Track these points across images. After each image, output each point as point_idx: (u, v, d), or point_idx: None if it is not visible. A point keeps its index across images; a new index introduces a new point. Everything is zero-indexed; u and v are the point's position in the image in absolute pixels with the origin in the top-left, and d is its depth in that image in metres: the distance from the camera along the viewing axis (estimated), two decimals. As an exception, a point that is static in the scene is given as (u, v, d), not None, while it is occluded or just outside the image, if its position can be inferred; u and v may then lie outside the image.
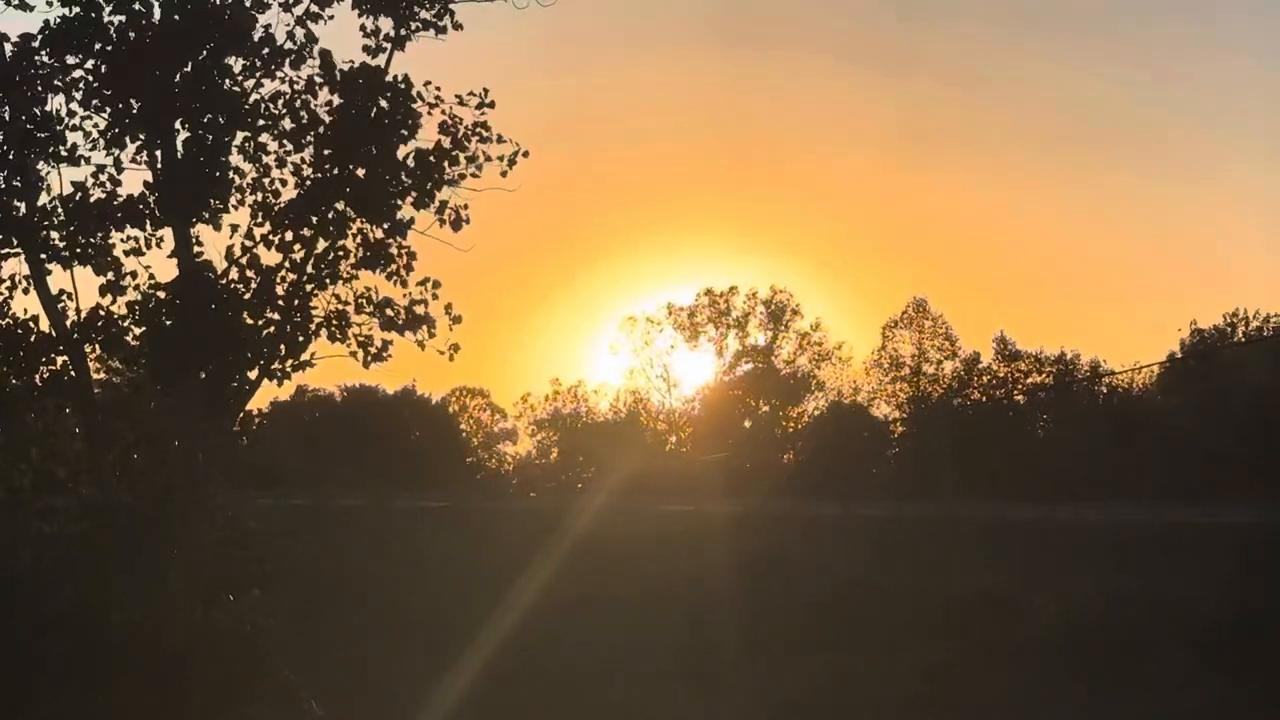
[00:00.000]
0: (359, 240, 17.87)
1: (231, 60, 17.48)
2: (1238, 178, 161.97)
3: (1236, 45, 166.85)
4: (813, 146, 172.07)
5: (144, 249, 17.31)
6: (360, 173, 17.55)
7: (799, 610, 57.50)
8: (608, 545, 58.86)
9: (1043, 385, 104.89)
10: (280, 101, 17.81)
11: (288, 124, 17.67)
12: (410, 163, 17.80)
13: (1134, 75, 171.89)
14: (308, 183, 17.59)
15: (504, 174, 18.16)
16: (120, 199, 17.13)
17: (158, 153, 17.27)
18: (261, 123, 17.66)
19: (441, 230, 18.03)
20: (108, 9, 17.16)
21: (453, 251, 18.14)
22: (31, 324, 17.02)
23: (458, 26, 18.06)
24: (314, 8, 17.84)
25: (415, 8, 17.88)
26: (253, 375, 17.70)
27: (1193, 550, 63.47)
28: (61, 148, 17.09)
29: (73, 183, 17.07)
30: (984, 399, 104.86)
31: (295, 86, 17.89)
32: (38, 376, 16.99)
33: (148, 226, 17.23)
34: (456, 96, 17.94)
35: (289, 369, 17.89)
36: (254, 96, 17.70)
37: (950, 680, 53.73)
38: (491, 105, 17.99)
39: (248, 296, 17.45)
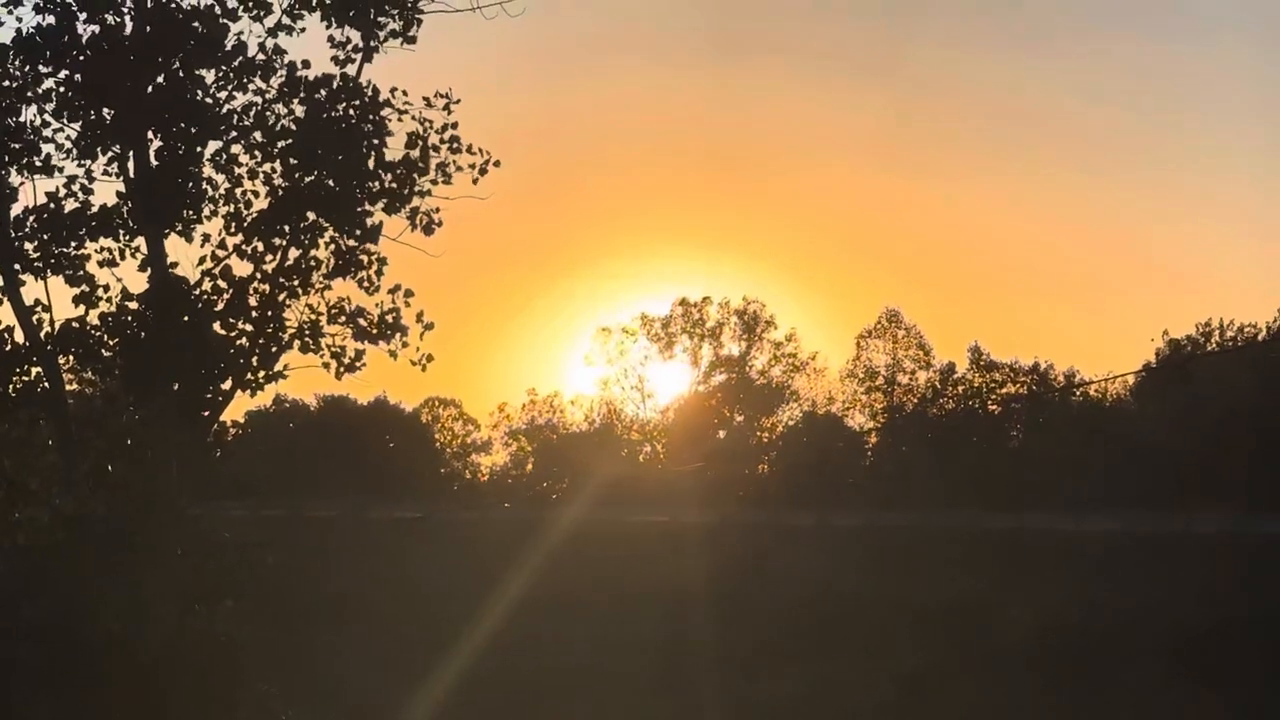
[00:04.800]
0: (331, 249, 17.88)
1: (203, 72, 17.50)
2: (1212, 187, 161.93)
3: (1212, 54, 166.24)
4: (786, 157, 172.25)
5: (117, 260, 17.32)
6: (330, 181, 17.58)
7: (774, 619, 57.58)
8: (582, 556, 58.87)
9: (1017, 395, 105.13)
10: (251, 112, 17.83)
11: (259, 136, 17.68)
12: (380, 171, 17.86)
13: (1107, 83, 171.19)
14: (279, 192, 17.62)
15: (475, 182, 18.26)
16: (93, 209, 17.14)
17: (130, 163, 17.27)
18: (233, 134, 17.67)
19: (413, 235, 18.08)
20: (81, 19, 17.17)
21: (425, 261, 18.21)
22: (5, 335, 17.00)
23: (410, 40, 18.11)
24: (285, 20, 17.89)
25: (382, 19, 17.94)
26: (226, 386, 17.68)
27: (1166, 558, 63.72)
28: (34, 158, 17.10)
29: (46, 193, 17.12)
30: (959, 409, 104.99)
31: (266, 97, 17.92)
32: (11, 387, 16.97)
33: (121, 237, 17.25)
34: (424, 99, 18.00)
35: (262, 380, 17.88)
36: (226, 107, 17.72)
37: (924, 688, 53.88)
38: (458, 102, 18.04)
39: (220, 307, 17.46)
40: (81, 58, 17.09)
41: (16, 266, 16.94)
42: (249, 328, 17.51)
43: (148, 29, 17.22)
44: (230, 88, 17.73)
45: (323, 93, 17.74)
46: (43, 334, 17.05)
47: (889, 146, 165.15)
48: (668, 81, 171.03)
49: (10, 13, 17.16)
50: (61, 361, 17.09)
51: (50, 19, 17.07)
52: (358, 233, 17.85)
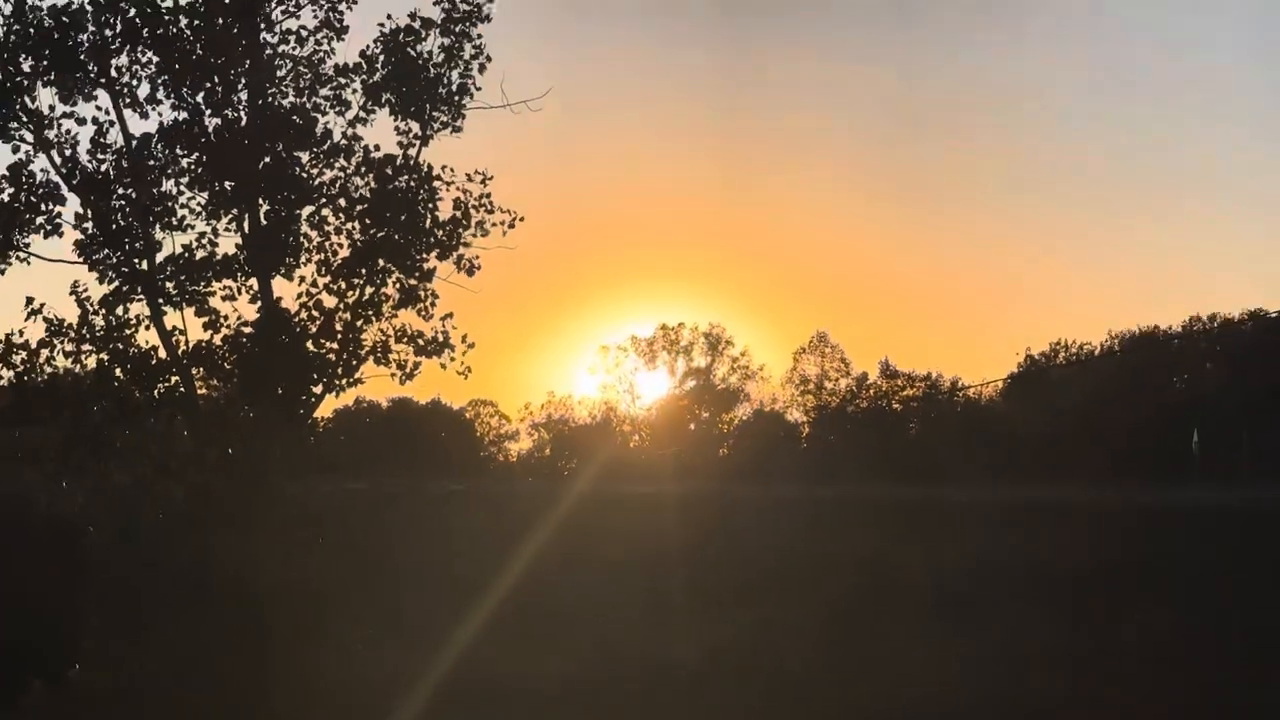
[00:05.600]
0: (396, 287, 18.01)
1: (299, 153, 17.62)
2: (1065, 220, 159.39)
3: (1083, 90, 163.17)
4: (745, 215, 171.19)
5: (235, 295, 17.50)
6: (395, 236, 17.71)
7: (731, 567, 57.57)
8: (587, 519, 58.89)
9: (915, 396, 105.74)
10: (336, 184, 17.96)
11: (342, 202, 17.83)
12: (433, 228, 17.97)
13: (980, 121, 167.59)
14: (358, 244, 17.75)
15: (504, 234, 18.41)
16: (218, 257, 17.28)
17: (245, 222, 17.41)
18: (322, 200, 17.81)
19: (458, 276, 18.21)
20: (207, 114, 17.31)
21: (468, 295, 18.37)
22: (152, 353, 17.15)
23: (457, 129, 18.15)
24: (360, 114, 18.06)
25: (435, 113, 18.04)
26: (317, 391, 17.81)
27: (1027, 521, 63.96)
28: (173, 219, 17.24)
29: (182, 245, 17.30)
30: (871, 407, 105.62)
31: (346, 172, 18.03)
32: (155, 392, 17.12)
33: (238, 278, 17.37)
34: (466, 174, 18.13)
35: (344, 385, 18.00)
36: (316, 180, 17.83)
37: (849, 621, 53.99)
38: (491, 177, 18.22)
39: (313, 331, 17.58)
40: (208, 143, 17.20)
41: (160, 301, 17.09)
42: (335, 346, 17.65)
43: (258, 122, 17.36)
44: (320, 165, 17.86)
45: (389, 169, 17.87)
46: (179, 352, 17.19)
47: (818, 193, 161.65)
48: (653, 161, 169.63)
49: (154, 109, 17.29)
50: (194, 373, 17.23)
51: (184, 114, 17.23)
52: (416, 274, 17.99)
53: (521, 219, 18.49)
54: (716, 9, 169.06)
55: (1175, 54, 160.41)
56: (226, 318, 17.42)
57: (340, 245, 17.77)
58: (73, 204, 17.08)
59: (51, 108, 17.03)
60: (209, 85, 17.25)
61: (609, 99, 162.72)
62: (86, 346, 16.92)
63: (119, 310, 17.03)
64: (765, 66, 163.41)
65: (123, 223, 17.06)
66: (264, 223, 17.40)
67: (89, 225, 16.98)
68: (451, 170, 18.26)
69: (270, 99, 17.58)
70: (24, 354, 16.70)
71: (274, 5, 17.72)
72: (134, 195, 17.07)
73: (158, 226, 17.20)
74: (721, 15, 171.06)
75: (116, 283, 17.01)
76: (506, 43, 18.68)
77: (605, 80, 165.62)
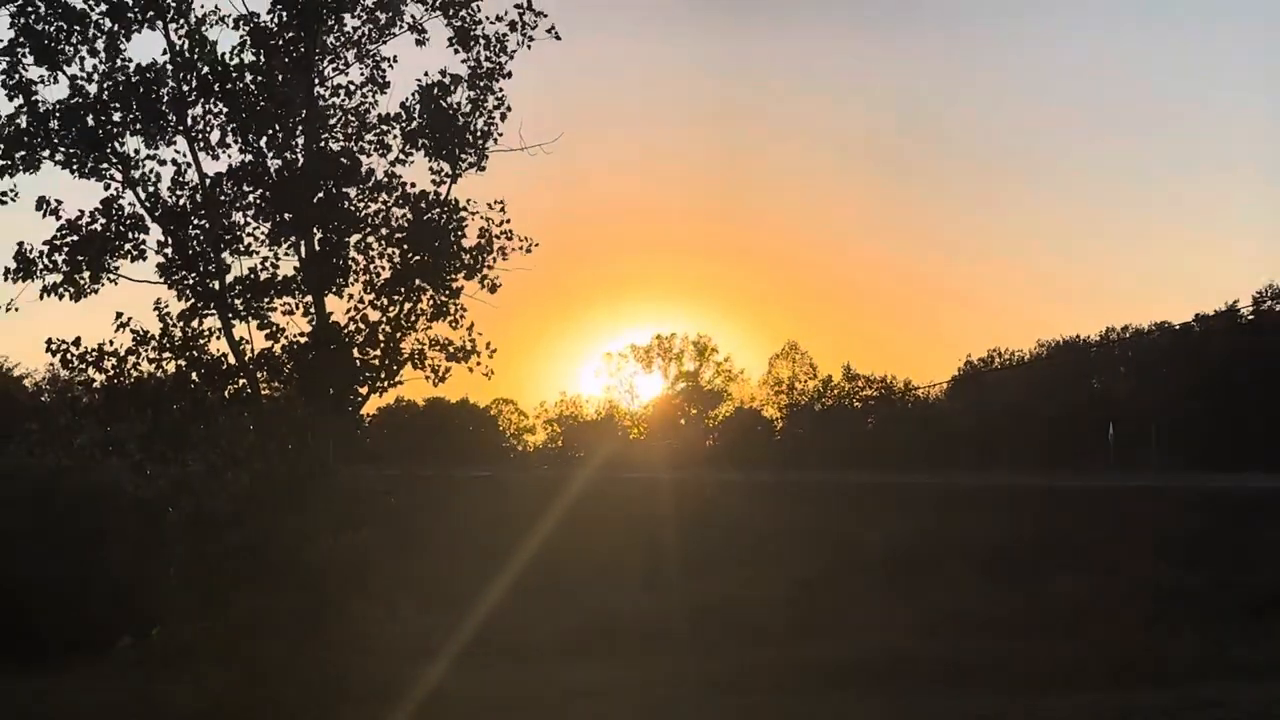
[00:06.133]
0: (430, 303, 17.96)
1: (348, 189, 17.56)
2: (1009, 232, 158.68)
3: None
4: (729, 237, 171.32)
5: (293, 311, 17.41)
6: (429, 260, 17.69)
7: (715, 541, 57.62)
8: (593, 500, 58.94)
9: (872, 396, 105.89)
10: (379, 216, 17.93)
11: (384, 231, 17.78)
12: (461, 253, 17.94)
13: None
14: (397, 267, 17.71)
15: (525, 253, 18.28)
16: (278, 279, 17.25)
17: (302, 248, 17.36)
18: (367, 229, 17.78)
19: (482, 293, 18.15)
20: (269, 155, 17.30)
21: (490, 309, 18.32)
22: (222, 359, 17.13)
23: (481, 168, 18.11)
24: (399, 156, 18.03)
25: (463, 155, 18.01)
26: (364, 391, 17.76)
27: (969, 502, 63.97)
28: (240, 245, 17.22)
29: (248, 268, 17.23)
30: (834, 405, 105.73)
31: (388, 205, 17.98)
32: (225, 393, 17.11)
33: (296, 296, 17.33)
34: (488, 204, 18.06)
35: (386, 387, 17.91)
36: (362, 212, 17.80)
37: (814, 585, 53.96)
38: (506, 205, 18.14)
39: (360, 341, 17.55)
40: (270, 181, 17.20)
41: (229, 315, 17.07)
42: (378, 354, 17.60)
43: (312, 163, 17.36)
44: (365, 200, 17.77)
45: (424, 203, 17.83)
46: (246, 359, 17.16)
47: (795, 215, 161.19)
48: (649, 180, 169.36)
49: (224, 152, 17.29)
50: (258, 376, 17.20)
51: (249, 156, 17.22)
52: (447, 292, 17.95)
53: (536, 244, 18.41)
54: (712, 35, 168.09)
55: (1089, 73, 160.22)
56: (285, 330, 17.30)
57: (382, 268, 17.73)
58: (155, 233, 17.04)
59: (137, 151, 17.03)
60: (270, 132, 17.22)
61: (607, 126, 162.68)
62: (166, 354, 16.88)
63: (194, 323, 16.97)
64: (759, 96, 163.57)
65: (198, 249, 17.03)
66: (318, 249, 17.34)
67: (169, 251, 16.95)
68: (475, 202, 18.21)
69: (323, 143, 17.56)
70: (114, 360, 16.67)
71: (326, 63, 17.67)
72: (207, 225, 17.02)
73: (227, 252, 17.13)
74: (720, 41, 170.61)
75: (192, 300, 16.97)
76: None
77: (604, 107, 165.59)
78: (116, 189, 16.89)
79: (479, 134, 17.94)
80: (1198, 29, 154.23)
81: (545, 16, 17.92)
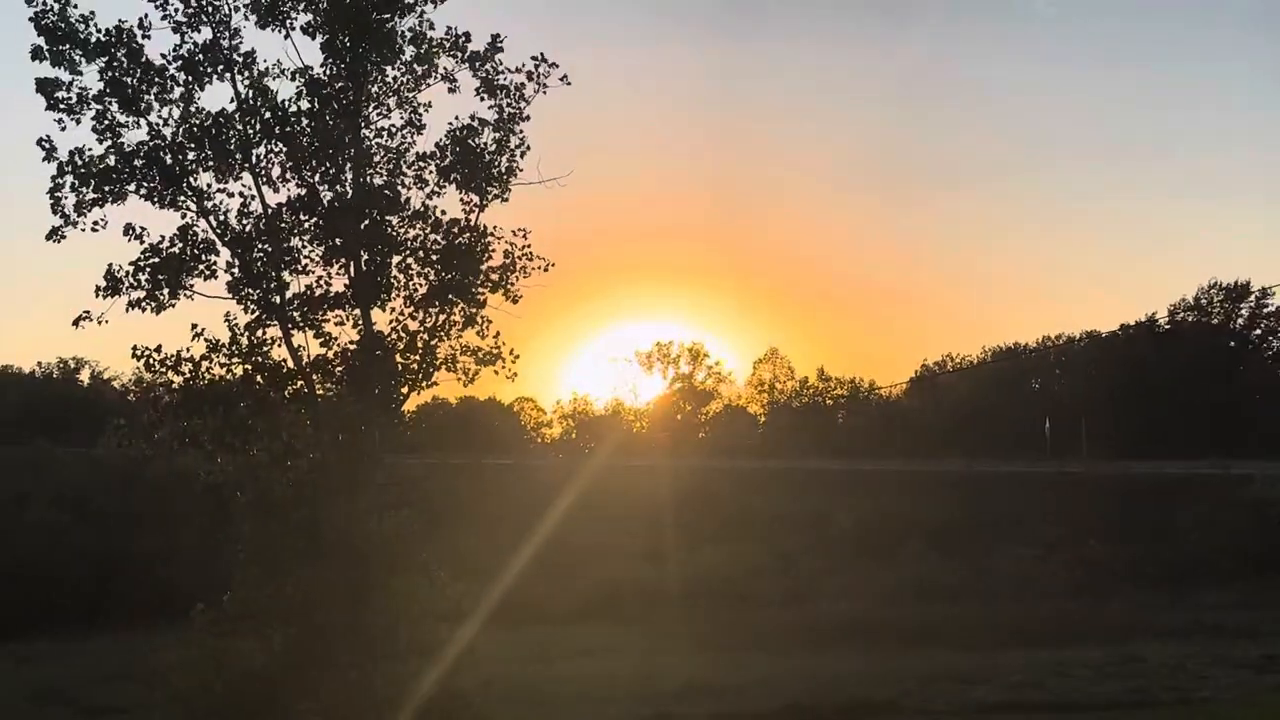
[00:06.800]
0: (461, 314, 17.86)
1: (391, 218, 17.43)
2: (962, 248, 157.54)
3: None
4: (723, 256, 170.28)
5: (344, 322, 17.30)
6: (460, 277, 17.60)
7: (708, 518, 57.70)
8: (602, 484, 58.95)
9: (842, 395, 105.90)
10: (417, 240, 17.83)
11: (421, 253, 17.70)
12: (487, 271, 17.84)
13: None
14: (432, 284, 17.64)
15: (544, 271, 18.15)
16: (330, 294, 17.19)
17: (351, 268, 17.30)
18: (407, 252, 17.68)
19: (506, 304, 18.04)
20: (323, 189, 17.26)
21: (513, 319, 18.20)
22: (283, 364, 17.09)
23: (504, 199, 17.92)
24: (434, 188, 17.94)
25: (489, 189, 17.93)
26: (404, 391, 17.69)
27: (926, 486, 63.93)
28: (297, 266, 17.13)
29: (305, 285, 17.17)
30: (810, 403, 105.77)
31: (425, 231, 17.88)
32: (285, 393, 17.08)
33: (346, 309, 17.29)
34: (512, 230, 17.95)
35: (424, 387, 17.82)
36: (402, 237, 17.69)
37: (792, 558, 53.99)
38: (530, 232, 17.97)
39: (401, 348, 17.50)
40: (323, 211, 17.16)
41: (289, 325, 17.02)
42: (416, 358, 17.54)
43: (359, 195, 17.30)
44: (404, 226, 17.62)
45: (455, 229, 17.76)
46: (303, 363, 17.11)
47: (779, 232, 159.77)
48: (654, 214, 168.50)
49: (283, 185, 17.25)
50: (313, 378, 17.16)
51: (305, 190, 17.18)
52: (475, 305, 17.86)
53: (553, 265, 18.27)
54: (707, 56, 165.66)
55: (1036, 98, 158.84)
56: (337, 338, 17.25)
57: (420, 285, 17.65)
58: (224, 255, 17.00)
59: (209, 185, 17.01)
60: (323, 168, 17.21)
61: (614, 159, 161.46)
62: (235, 360, 16.87)
63: (258, 333, 16.95)
64: (745, 134, 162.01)
65: (261, 269, 17.00)
66: (364, 269, 17.29)
67: (236, 271, 16.93)
68: (500, 228, 18.09)
69: (368, 178, 17.50)
70: (189, 365, 16.68)
71: (371, 109, 17.60)
72: (269, 249, 16.99)
73: (287, 272, 17.09)
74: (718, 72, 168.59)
75: (257, 313, 16.94)
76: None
77: (610, 141, 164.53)
78: (191, 218, 16.91)
79: (502, 170, 17.89)
80: (1137, 54, 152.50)
81: (557, 66, 17.79)
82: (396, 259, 17.51)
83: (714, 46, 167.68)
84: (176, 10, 16.53)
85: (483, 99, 17.79)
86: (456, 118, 17.83)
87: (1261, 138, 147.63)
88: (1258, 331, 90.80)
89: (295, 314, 16.98)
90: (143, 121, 16.57)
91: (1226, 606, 43.76)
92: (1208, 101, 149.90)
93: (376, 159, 17.59)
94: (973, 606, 45.73)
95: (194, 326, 16.57)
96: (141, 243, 16.51)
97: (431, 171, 17.84)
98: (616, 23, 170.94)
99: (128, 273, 16.41)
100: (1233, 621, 40.74)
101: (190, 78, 16.66)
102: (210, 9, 16.70)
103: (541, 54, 17.65)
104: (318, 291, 17.11)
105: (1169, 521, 54.56)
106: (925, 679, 31.87)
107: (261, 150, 17.07)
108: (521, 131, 17.93)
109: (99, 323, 16.21)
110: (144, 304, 16.44)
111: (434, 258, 17.60)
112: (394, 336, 17.42)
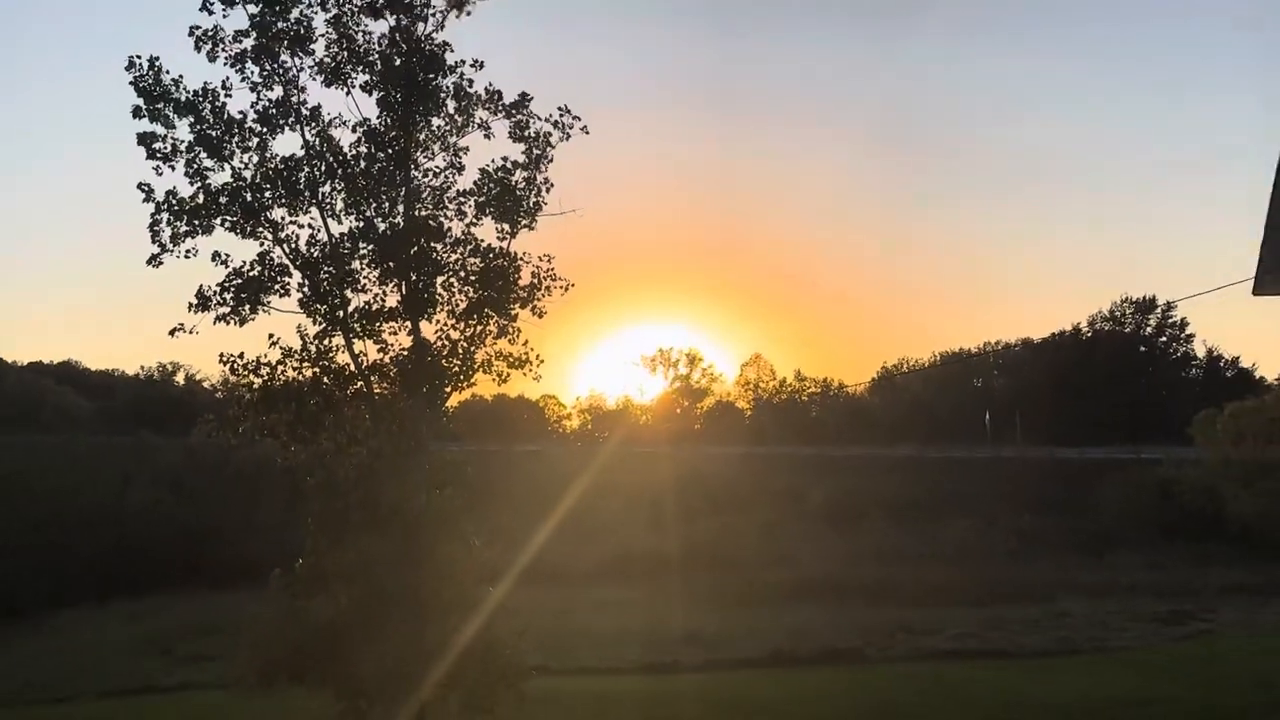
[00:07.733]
0: (495, 325, 17.74)
1: (435, 245, 17.32)
2: (913, 263, 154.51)
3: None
4: (718, 271, 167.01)
5: (397, 332, 17.16)
6: (494, 295, 17.54)
7: (701, 495, 57.64)
8: (614, 467, 58.96)
9: (815, 392, 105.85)
10: (457, 264, 17.71)
11: (460, 274, 17.61)
12: (518, 290, 17.70)
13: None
14: (471, 301, 17.54)
15: (562, 294, 18.11)
16: (386, 309, 17.13)
17: (403, 287, 17.23)
18: (449, 273, 17.61)
19: (533, 319, 17.94)
20: (377, 220, 17.20)
21: (538, 331, 18.08)
22: (345, 368, 17.03)
23: (531, 227, 17.58)
24: (473, 220, 17.82)
25: (520, 219, 17.84)
26: (448, 390, 17.57)
27: (885, 469, 63.77)
28: (357, 286, 17.04)
29: (364, 301, 17.07)
30: (789, 401, 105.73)
31: (464, 256, 17.74)
32: (348, 392, 17.02)
33: (399, 321, 17.23)
34: (538, 256, 17.85)
35: (464, 386, 17.66)
36: (444, 261, 17.58)
37: (774, 530, 53.89)
38: (553, 257, 17.95)
39: (444, 354, 17.43)
40: (378, 239, 17.03)
41: (350, 335, 16.96)
42: (458, 363, 17.42)
43: (408, 226, 17.21)
44: (447, 252, 17.48)
45: (490, 254, 17.65)
46: (363, 367, 17.04)
47: (767, 249, 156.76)
48: (656, 234, 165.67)
49: (345, 217, 17.17)
50: (371, 380, 17.12)
51: (362, 222, 17.11)
52: (507, 318, 17.73)
53: (573, 284, 18.04)
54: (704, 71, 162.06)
55: (998, 113, 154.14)
56: (391, 346, 17.15)
57: (460, 301, 17.56)
58: (296, 277, 16.96)
59: (282, 218, 17.02)
60: (378, 204, 17.20)
61: (625, 189, 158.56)
62: (305, 364, 16.85)
63: (325, 342, 16.94)
64: (749, 141, 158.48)
65: (327, 288, 16.99)
66: (414, 288, 17.22)
67: (306, 289, 16.93)
68: (529, 253, 17.92)
69: (416, 211, 17.46)
70: (267, 369, 16.70)
71: (418, 153, 17.54)
72: (334, 271, 16.98)
73: (349, 290, 17.04)
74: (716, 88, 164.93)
75: (323, 325, 16.92)
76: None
77: (617, 172, 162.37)
78: (268, 246, 16.95)
79: (531, 204, 17.86)
80: (1075, 67, 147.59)
81: (580, 119, 17.78)
82: (440, 279, 17.47)
83: (705, 50, 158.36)
84: (253, 73, 16.67)
85: (515, 142, 17.79)
86: (491, 160, 17.81)
87: (1167, 172, 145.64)
88: (1163, 339, 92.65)
89: (356, 326, 16.97)
90: (226, 166, 16.63)
91: (1138, 568, 43.82)
92: (1128, 145, 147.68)
93: (423, 195, 17.59)
94: (924, 569, 45.69)
95: (271, 336, 16.64)
96: (226, 267, 16.56)
97: (470, 205, 17.79)
98: (606, 42, 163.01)
99: (215, 292, 16.43)
100: (1144, 581, 40.76)
101: (265, 129, 16.72)
102: (281, 71, 16.78)
103: (566, 106, 17.66)
104: (375, 307, 17.09)
105: (1091, 497, 54.67)
106: (885, 630, 31.99)
107: (326, 189, 17.13)
108: (546, 170, 17.91)
109: (191, 333, 16.27)
110: (229, 318, 16.49)
111: (472, 278, 17.55)
112: (439, 344, 17.39)
